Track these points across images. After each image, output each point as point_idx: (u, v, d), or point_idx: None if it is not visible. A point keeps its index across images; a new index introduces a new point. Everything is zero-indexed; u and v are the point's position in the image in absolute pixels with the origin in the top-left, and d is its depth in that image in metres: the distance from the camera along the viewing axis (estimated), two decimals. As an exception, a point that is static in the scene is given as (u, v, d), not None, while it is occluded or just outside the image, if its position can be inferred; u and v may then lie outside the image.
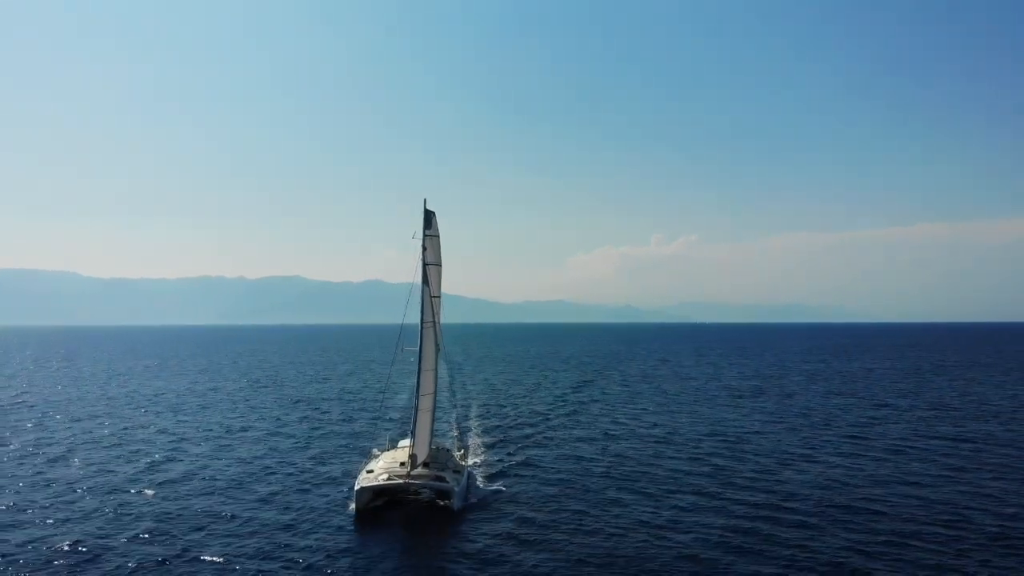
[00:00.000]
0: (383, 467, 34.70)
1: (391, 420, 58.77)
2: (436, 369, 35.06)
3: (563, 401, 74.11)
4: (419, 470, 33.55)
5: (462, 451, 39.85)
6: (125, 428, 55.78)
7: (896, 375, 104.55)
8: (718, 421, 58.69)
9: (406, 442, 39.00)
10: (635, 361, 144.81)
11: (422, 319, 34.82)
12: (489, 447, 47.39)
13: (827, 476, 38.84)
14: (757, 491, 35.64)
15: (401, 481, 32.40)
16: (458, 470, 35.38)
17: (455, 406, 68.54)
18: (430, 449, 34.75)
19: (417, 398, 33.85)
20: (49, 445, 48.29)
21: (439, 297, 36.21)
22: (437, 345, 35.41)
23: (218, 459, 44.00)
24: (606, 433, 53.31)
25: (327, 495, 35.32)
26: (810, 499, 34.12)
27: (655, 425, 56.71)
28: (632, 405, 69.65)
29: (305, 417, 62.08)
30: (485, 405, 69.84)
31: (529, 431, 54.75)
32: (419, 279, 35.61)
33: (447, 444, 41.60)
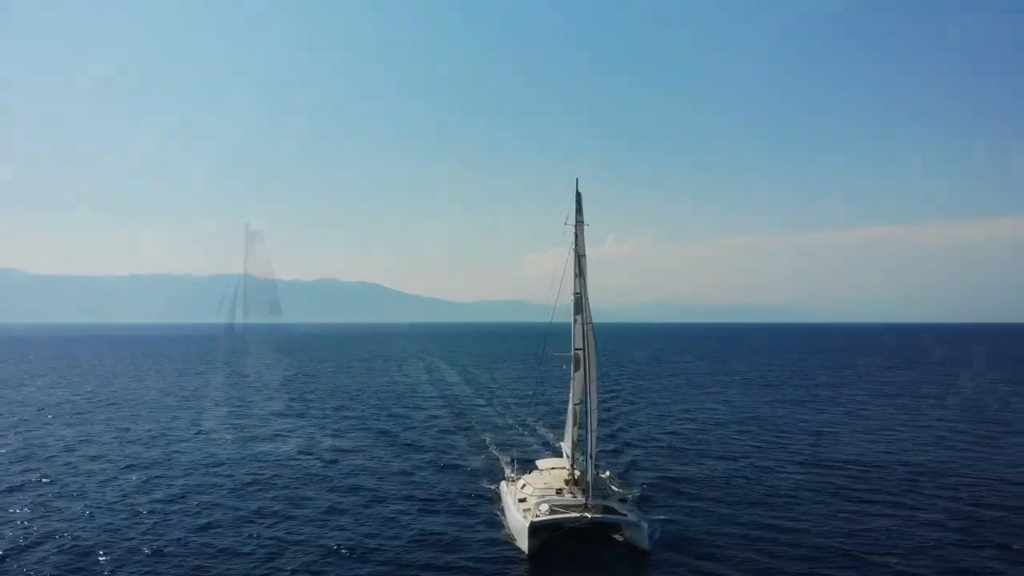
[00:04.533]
0: (537, 494, 29.04)
1: (527, 435, 52.25)
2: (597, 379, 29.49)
3: (626, 404, 69.29)
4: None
5: (607, 473, 33.91)
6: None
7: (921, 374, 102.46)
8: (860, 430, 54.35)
9: (549, 463, 33.44)
10: (634, 360, 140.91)
11: (582, 319, 29.30)
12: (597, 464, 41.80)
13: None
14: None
15: (579, 515, 26.73)
16: (624, 499, 29.85)
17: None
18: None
19: (588, 415, 28.28)
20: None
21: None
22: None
23: (340, 485, 36.92)
24: (713, 433, 48.84)
25: (480, 528, 29.60)
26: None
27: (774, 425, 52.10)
28: (696, 401, 65.14)
29: (417, 434, 52.63)
30: (546, 412, 63.54)
31: (626, 439, 50.00)
32: (571, 271, 30.30)
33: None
